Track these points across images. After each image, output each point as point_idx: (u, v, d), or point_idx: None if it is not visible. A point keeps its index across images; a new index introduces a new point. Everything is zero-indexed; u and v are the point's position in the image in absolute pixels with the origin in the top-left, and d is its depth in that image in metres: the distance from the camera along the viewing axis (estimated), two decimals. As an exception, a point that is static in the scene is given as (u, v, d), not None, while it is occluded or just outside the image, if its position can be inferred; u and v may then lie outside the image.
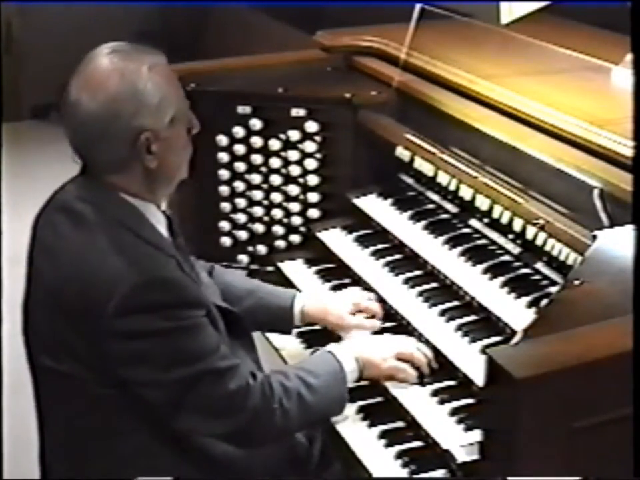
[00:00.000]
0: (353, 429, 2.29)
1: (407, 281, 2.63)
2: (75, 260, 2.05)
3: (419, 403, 2.27)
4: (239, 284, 2.57)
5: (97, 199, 2.09)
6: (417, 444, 2.22)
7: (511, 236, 2.53)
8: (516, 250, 2.51)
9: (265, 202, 3.20)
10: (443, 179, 2.76)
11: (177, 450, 2.13)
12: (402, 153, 2.92)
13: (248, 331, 2.39)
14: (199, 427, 2.10)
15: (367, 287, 2.70)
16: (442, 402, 2.25)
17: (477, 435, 2.03)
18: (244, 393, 2.09)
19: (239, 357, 2.21)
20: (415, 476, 2.14)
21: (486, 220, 2.63)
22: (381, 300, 2.62)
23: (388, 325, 2.56)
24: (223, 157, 3.20)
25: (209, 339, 2.08)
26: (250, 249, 3.24)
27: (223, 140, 3.18)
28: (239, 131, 3.16)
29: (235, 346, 2.24)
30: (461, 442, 2.12)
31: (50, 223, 2.16)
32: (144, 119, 2.05)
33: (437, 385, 2.31)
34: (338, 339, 2.53)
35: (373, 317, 2.57)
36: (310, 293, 2.66)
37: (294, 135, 3.11)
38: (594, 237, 2.14)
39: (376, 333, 2.54)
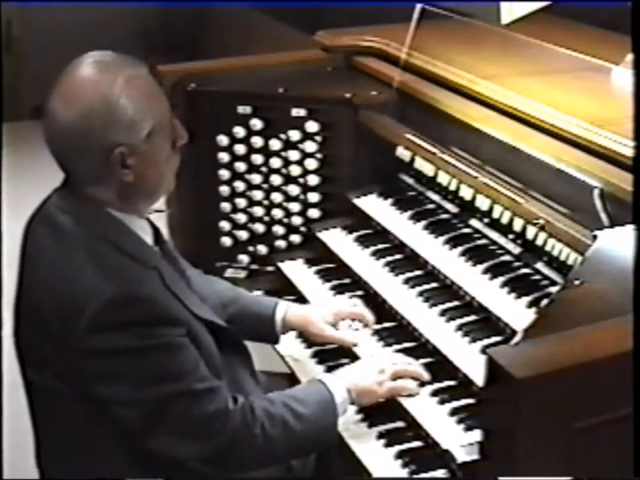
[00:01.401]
0: (353, 429, 2.29)
1: (407, 281, 2.63)
2: (52, 273, 2.02)
3: (419, 403, 2.27)
4: (222, 292, 2.53)
5: (77, 210, 2.06)
6: (416, 444, 2.23)
7: (511, 236, 2.53)
8: (516, 250, 2.51)
9: (265, 202, 3.20)
10: (443, 179, 2.76)
11: (159, 464, 2.08)
12: (402, 153, 2.92)
13: (242, 344, 2.35)
14: (174, 449, 2.03)
15: (367, 287, 2.71)
16: (442, 402, 2.25)
17: (477, 435, 2.03)
18: (223, 416, 2.04)
19: (234, 373, 2.18)
20: (415, 476, 2.14)
21: (486, 220, 2.63)
22: (381, 300, 2.62)
23: (388, 324, 2.57)
24: (224, 157, 3.20)
25: (186, 358, 2.03)
26: (250, 248, 3.24)
27: (223, 140, 3.18)
28: (239, 131, 3.16)
29: (229, 362, 2.21)
30: (461, 442, 2.12)
31: (33, 233, 2.13)
32: (117, 133, 1.99)
33: (437, 385, 2.31)
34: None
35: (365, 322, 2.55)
36: (293, 302, 2.61)
37: (294, 135, 3.11)
38: (594, 237, 2.14)
39: (377, 332, 2.54)
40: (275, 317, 2.51)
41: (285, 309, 2.52)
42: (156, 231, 2.21)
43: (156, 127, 2.04)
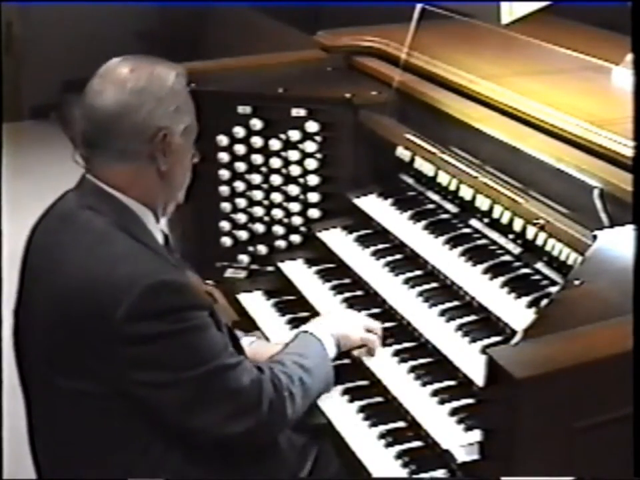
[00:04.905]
0: (353, 429, 2.29)
1: (407, 281, 2.63)
2: (81, 269, 2.03)
3: (419, 403, 2.27)
4: None
5: (99, 206, 2.09)
6: (417, 444, 2.23)
7: (511, 236, 2.53)
8: (516, 250, 2.51)
9: (265, 202, 3.20)
10: (443, 179, 2.76)
11: (181, 455, 2.11)
12: (402, 153, 2.92)
13: (236, 337, 2.37)
14: (218, 428, 2.09)
15: (367, 287, 2.71)
16: (442, 402, 2.26)
17: (476, 435, 2.03)
18: (258, 386, 2.12)
19: None
20: (415, 476, 2.14)
21: (486, 220, 2.63)
22: (381, 300, 2.62)
23: (388, 324, 2.56)
24: (224, 157, 3.20)
25: (216, 337, 2.11)
26: (250, 248, 3.24)
27: (223, 140, 3.18)
28: (239, 131, 3.16)
29: None
30: (460, 442, 2.12)
31: (51, 232, 2.15)
32: (163, 117, 2.09)
33: (437, 385, 2.31)
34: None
35: None
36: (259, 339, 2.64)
37: (294, 135, 3.11)
38: (594, 237, 2.14)
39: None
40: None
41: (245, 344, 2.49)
42: (165, 236, 2.26)
43: (190, 126, 2.18)
